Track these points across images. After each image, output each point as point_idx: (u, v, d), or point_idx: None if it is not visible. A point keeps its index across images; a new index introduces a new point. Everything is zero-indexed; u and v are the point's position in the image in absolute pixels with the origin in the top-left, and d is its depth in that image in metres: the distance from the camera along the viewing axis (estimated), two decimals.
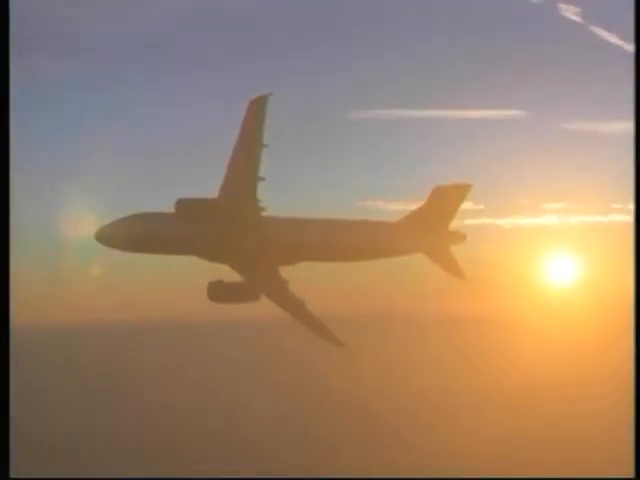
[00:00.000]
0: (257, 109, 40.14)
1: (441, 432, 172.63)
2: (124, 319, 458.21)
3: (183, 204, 41.35)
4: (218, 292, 43.05)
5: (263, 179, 41.35)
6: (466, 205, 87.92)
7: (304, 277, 44.46)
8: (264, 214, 42.37)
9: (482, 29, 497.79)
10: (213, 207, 41.38)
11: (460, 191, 43.23)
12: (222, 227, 41.73)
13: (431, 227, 42.92)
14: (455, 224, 45.89)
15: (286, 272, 44.28)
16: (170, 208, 42.98)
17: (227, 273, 44.75)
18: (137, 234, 43.04)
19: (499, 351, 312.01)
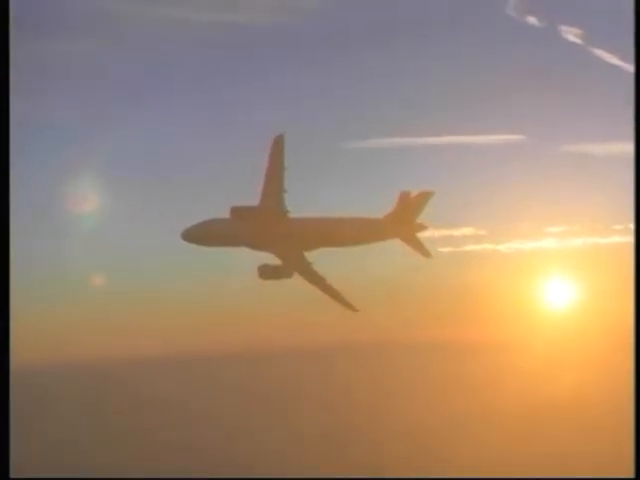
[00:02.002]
0: (278, 143, 59.89)
1: (440, 455, 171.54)
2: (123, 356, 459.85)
3: (236, 210, 60.16)
4: (264, 272, 60.32)
5: (287, 191, 60.59)
6: (467, 230, 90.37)
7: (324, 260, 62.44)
8: (290, 216, 61.54)
9: (480, 53, 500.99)
10: (256, 211, 60.30)
11: (421, 197, 60.79)
12: (262, 225, 60.23)
13: (404, 221, 60.82)
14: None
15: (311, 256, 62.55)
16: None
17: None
18: (208, 233, 62.22)
19: (502, 375, 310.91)
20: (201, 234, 62.74)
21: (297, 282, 62.46)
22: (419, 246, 61.90)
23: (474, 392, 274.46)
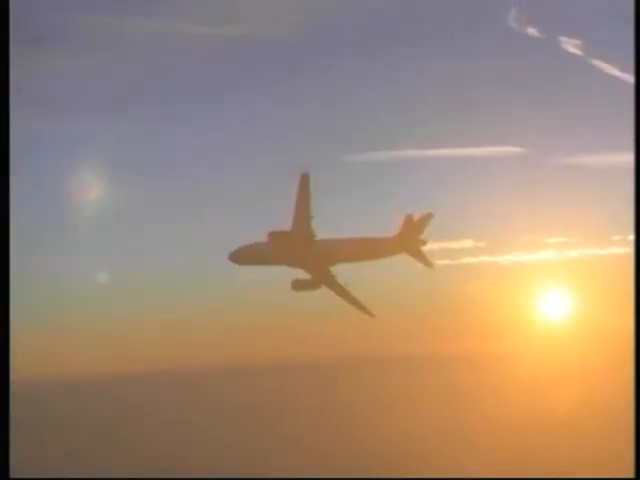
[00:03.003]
0: (305, 180, 68.97)
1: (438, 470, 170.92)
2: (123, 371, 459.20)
3: (273, 234, 70.91)
4: (297, 285, 73.34)
5: (313, 217, 70.93)
6: (467, 243, 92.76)
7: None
8: (317, 238, 72.10)
9: (481, 64, 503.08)
10: (289, 235, 70.74)
11: (423, 219, 72.47)
12: (294, 247, 71.51)
13: (409, 238, 72.58)
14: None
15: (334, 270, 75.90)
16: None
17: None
18: (250, 255, 74.50)
19: (499, 388, 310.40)
20: (245, 256, 75.21)
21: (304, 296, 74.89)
22: (423, 259, 73.72)
23: (472, 404, 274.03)
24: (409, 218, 72.51)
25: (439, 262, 76.77)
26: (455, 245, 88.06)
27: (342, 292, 74.70)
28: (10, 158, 56.28)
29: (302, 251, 72.02)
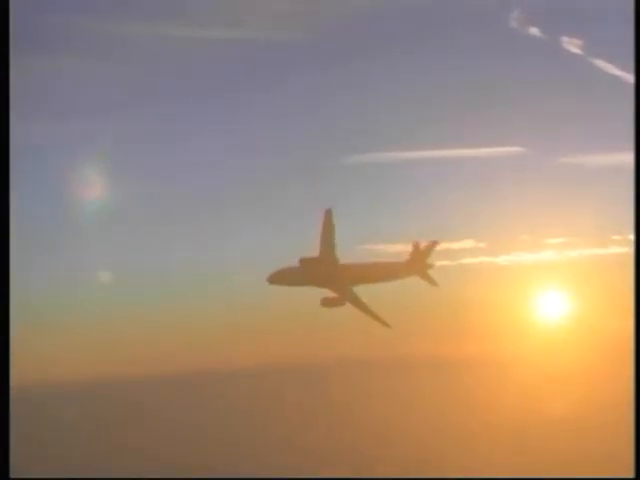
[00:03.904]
0: (328, 215, 79.67)
1: (439, 471, 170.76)
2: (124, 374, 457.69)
3: (304, 260, 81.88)
4: (325, 302, 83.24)
5: (336, 244, 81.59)
6: (467, 243, 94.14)
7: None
8: (340, 263, 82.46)
9: (483, 64, 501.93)
10: (317, 261, 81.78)
11: (429, 246, 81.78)
12: (321, 270, 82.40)
13: (418, 263, 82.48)
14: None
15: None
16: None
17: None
18: (285, 277, 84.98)
19: (499, 389, 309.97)
20: (280, 278, 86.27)
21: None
22: (429, 279, 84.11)
23: (472, 405, 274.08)
24: (417, 246, 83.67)
25: (439, 263, 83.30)
26: (455, 245, 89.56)
27: (363, 307, 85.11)
28: (10, 158, 56.23)
29: (328, 274, 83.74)
